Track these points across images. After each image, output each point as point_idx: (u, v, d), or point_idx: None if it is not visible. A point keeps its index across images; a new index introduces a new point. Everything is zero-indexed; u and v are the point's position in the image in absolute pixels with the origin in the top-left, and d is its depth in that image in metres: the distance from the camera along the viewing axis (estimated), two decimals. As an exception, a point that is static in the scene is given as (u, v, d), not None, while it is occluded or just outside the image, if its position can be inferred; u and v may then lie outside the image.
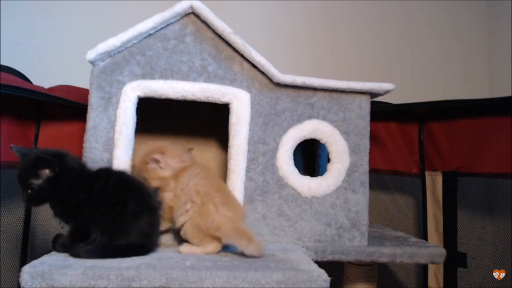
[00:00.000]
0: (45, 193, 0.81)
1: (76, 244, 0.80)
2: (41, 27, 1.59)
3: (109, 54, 0.98)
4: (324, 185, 1.06)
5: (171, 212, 0.93)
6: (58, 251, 0.82)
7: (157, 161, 0.94)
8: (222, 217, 0.86)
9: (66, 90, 1.32)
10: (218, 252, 0.89)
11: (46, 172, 0.81)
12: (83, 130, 0.98)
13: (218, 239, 0.87)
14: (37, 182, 0.80)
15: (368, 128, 1.09)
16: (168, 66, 1.01)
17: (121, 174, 0.88)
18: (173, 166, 0.96)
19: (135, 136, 1.00)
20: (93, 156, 0.96)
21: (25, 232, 1.19)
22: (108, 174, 0.87)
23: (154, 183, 0.95)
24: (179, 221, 0.90)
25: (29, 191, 0.81)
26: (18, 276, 0.70)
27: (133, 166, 0.98)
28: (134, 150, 1.00)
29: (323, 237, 1.05)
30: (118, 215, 0.82)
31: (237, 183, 1.00)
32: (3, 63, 1.23)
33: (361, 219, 1.07)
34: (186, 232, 0.89)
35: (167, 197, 0.94)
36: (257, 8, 1.78)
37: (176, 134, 1.30)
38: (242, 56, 1.03)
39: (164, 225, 0.94)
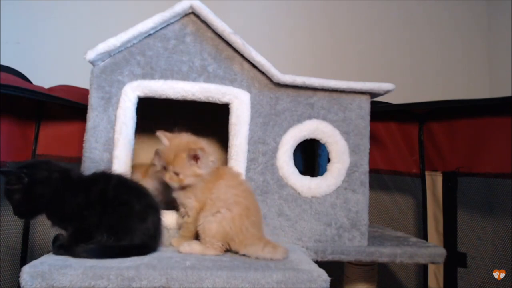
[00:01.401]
0: (24, 205, 0.80)
1: (76, 246, 0.80)
2: (41, 27, 1.59)
3: (109, 54, 0.98)
4: (324, 185, 1.06)
5: (196, 214, 0.91)
6: (58, 254, 0.81)
7: (197, 158, 0.88)
8: (250, 235, 0.87)
9: (66, 90, 1.32)
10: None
11: (18, 185, 0.80)
12: (83, 130, 0.98)
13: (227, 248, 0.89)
14: (15, 196, 0.80)
15: (368, 128, 1.09)
16: (168, 66, 1.01)
17: (119, 177, 0.88)
18: (210, 166, 0.91)
19: (135, 136, 1.00)
20: (93, 156, 0.96)
21: (25, 232, 1.19)
22: (106, 177, 0.86)
23: (187, 180, 0.88)
24: (207, 220, 0.88)
25: (14, 206, 0.81)
26: (18, 276, 0.70)
27: (160, 157, 0.92)
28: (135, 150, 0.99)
29: (323, 237, 1.05)
30: (125, 217, 0.82)
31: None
32: (3, 63, 1.23)
33: (361, 219, 1.07)
34: (208, 230, 0.87)
35: (193, 197, 0.90)
36: (257, 8, 1.78)
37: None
38: (242, 56, 1.03)
39: (191, 228, 0.92)
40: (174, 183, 0.89)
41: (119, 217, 0.82)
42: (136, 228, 0.82)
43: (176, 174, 0.88)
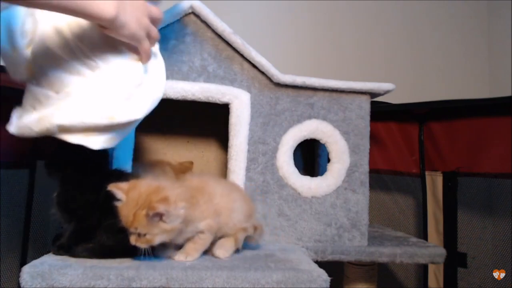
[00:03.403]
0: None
1: (77, 245, 0.80)
2: (41, 27, 1.59)
3: (109, 54, 0.98)
4: (324, 185, 1.06)
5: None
6: (58, 254, 0.80)
7: (161, 215, 0.72)
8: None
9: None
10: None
11: None
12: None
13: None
14: None
15: (368, 128, 1.09)
16: (168, 66, 1.00)
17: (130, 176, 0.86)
18: (181, 215, 0.75)
19: (135, 136, 1.00)
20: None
21: (25, 232, 1.19)
22: (118, 175, 0.84)
23: (157, 239, 0.74)
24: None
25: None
26: (18, 276, 0.70)
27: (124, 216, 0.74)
28: (135, 150, 0.99)
29: (323, 237, 1.05)
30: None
31: (237, 183, 1.00)
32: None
33: (361, 219, 1.07)
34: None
35: (204, 226, 0.81)
36: (257, 8, 1.78)
37: (176, 134, 1.30)
38: (242, 56, 1.03)
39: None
40: (142, 245, 0.73)
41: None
42: None
43: (143, 235, 0.73)
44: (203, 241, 0.83)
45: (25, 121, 0.71)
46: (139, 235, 0.73)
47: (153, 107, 0.81)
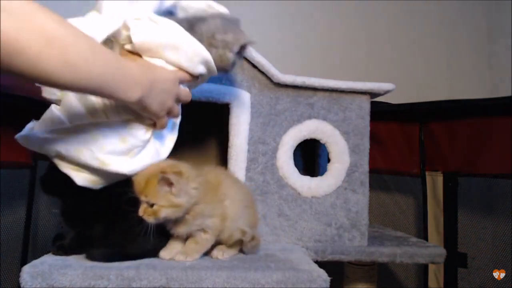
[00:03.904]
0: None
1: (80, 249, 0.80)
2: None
3: (109, 54, 0.98)
4: (324, 185, 1.06)
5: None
6: (58, 254, 0.80)
7: (170, 184, 0.73)
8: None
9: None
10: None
11: None
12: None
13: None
14: None
15: (368, 128, 1.09)
16: (168, 66, 1.01)
17: None
18: (192, 195, 0.76)
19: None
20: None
21: (25, 232, 1.19)
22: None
23: (163, 212, 0.74)
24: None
25: None
26: (18, 276, 0.70)
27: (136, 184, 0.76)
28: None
29: (323, 237, 1.05)
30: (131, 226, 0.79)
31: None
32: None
33: (361, 219, 1.07)
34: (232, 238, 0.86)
35: (211, 224, 0.81)
36: (257, 8, 1.78)
37: (176, 134, 1.29)
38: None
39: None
40: (148, 218, 0.74)
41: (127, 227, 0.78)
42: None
43: (151, 206, 0.74)
44: (205, 242, 0.83)
45: (33, 137, 0.73)
46: (148, 206, 0.74)
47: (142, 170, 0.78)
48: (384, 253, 1.04)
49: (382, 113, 1.45)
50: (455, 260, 1.33)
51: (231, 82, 1.03)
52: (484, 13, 1.87)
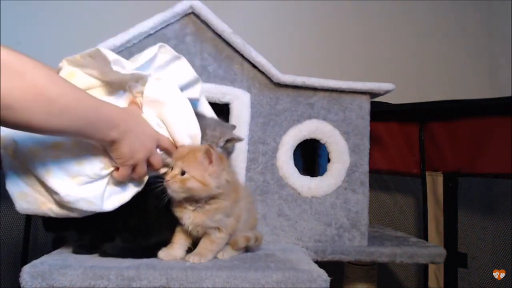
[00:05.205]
0: None
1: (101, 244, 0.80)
2: (42, 27, 1.59)
3: (109, 54, 0.98)
4: (324, 185, 1.06)
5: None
6: (79, 253, 0.81)
7: (211, 161, 0.76)
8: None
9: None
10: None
11: None
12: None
13: None
14: None
15: (368, 128, 1.09)
16: (168, 66, 1.01)
17: None
18: (222, 184, 0.78)
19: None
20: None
21: (25, 232, 1.19)
22: None
23: (191, 183, 0.74)
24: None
25: None
26: (18, 276, 0.70)
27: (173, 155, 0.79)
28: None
29: (323, 237, 1.05)
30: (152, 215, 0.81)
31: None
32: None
33: (361, 219, 1.07)
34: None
35: (229, 223, 0.82)
36: (257, 8, 1.78)
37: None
38: (242, 56, 1.03)
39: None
40: (174, 183, 0.74)
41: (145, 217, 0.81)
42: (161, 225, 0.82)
43: (182, 174, 0.75)
44: (219, 242, 0.81)
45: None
46: (178, 172, 0.75)
47: (92, 212, 0.75)
48: (384, 253, 1.04)
49: (382, 113, 1.45)
50: (455, 260, 1.33)
51: (231, 82, 1.03)
52: (484, 13, 1.87)
